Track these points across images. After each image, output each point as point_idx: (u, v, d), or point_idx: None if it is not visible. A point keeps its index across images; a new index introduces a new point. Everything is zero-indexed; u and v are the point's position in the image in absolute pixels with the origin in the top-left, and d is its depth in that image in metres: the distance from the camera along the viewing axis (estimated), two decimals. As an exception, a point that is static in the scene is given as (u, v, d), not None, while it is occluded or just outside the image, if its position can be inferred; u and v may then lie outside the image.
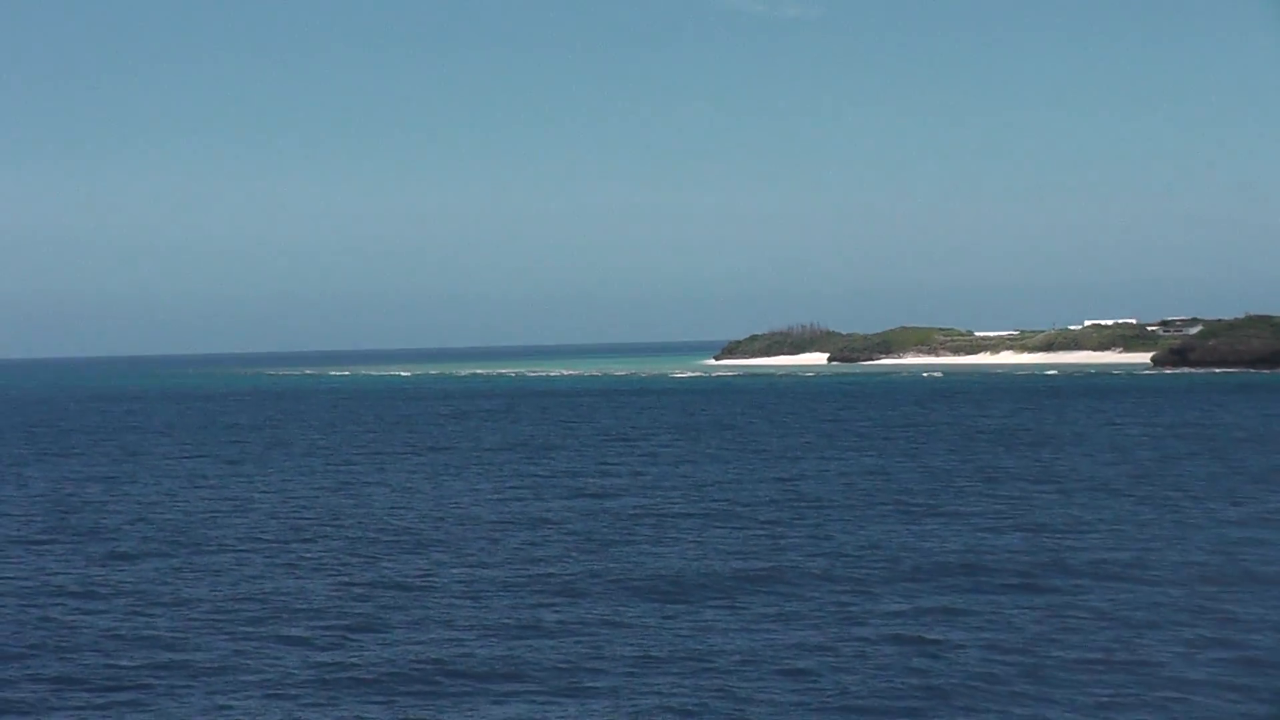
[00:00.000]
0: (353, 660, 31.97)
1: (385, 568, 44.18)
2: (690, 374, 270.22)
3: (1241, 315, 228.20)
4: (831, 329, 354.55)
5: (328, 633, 34.71)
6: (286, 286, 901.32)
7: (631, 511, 56.47)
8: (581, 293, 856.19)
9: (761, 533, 50.04)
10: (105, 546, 49.75)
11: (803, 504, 57.93)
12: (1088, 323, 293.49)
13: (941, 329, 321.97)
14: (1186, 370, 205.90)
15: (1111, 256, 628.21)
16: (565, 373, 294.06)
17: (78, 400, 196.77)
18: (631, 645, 32.79)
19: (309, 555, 46.95)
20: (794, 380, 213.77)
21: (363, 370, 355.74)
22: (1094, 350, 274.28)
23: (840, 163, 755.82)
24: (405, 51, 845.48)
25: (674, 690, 28.90)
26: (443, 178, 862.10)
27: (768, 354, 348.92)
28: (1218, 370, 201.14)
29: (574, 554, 45.99)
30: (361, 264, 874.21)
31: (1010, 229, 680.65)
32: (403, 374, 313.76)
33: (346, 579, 42.20)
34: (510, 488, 66.93)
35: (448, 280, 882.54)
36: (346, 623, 35.77)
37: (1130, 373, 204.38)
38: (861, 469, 72.20)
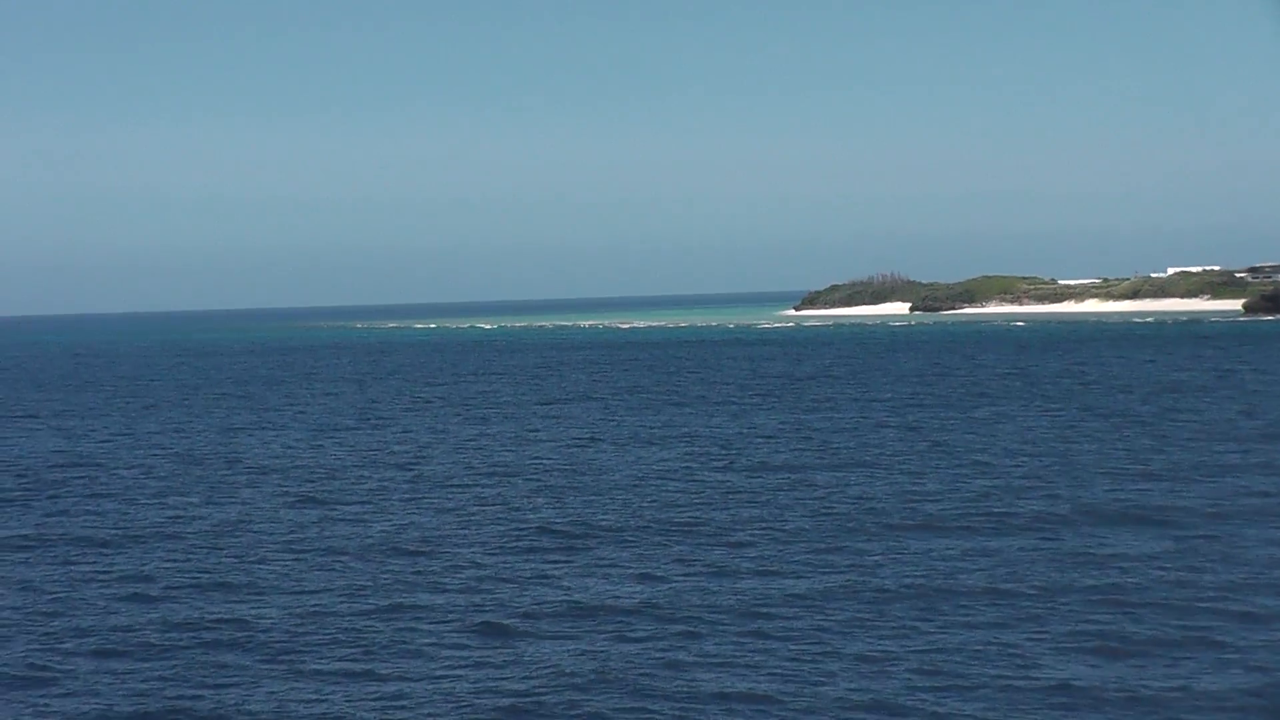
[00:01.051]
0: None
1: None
2: (778, 324, 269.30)
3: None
4: (911, 278, 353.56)
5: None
6: (357, 239, 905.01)
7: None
8: (648, 246, 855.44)
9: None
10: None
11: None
12: (1173, 270, 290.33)
13: (1024, 277, 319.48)
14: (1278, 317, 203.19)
15: (1194, 201, 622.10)
16: (651, 324, 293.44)
17: (195, 355, 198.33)
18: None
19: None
20: (898, 330, 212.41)
21: (445, 323, 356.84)
22: (1181, 298, 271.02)
23: (911, 110, 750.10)
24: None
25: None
26: (515, 132, 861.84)
27: (849, 304, 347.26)
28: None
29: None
30: (427, 218, 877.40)
31: (1090, 175, 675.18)
32: (485, 326, 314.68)
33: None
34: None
35: (510, 234, 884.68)
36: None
37: (1230, 320, 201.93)
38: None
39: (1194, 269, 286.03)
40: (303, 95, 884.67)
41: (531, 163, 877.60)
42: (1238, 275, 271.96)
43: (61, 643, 30.60)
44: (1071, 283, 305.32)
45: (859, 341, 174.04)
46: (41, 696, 27.10)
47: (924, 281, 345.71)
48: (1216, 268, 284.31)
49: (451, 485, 52.65)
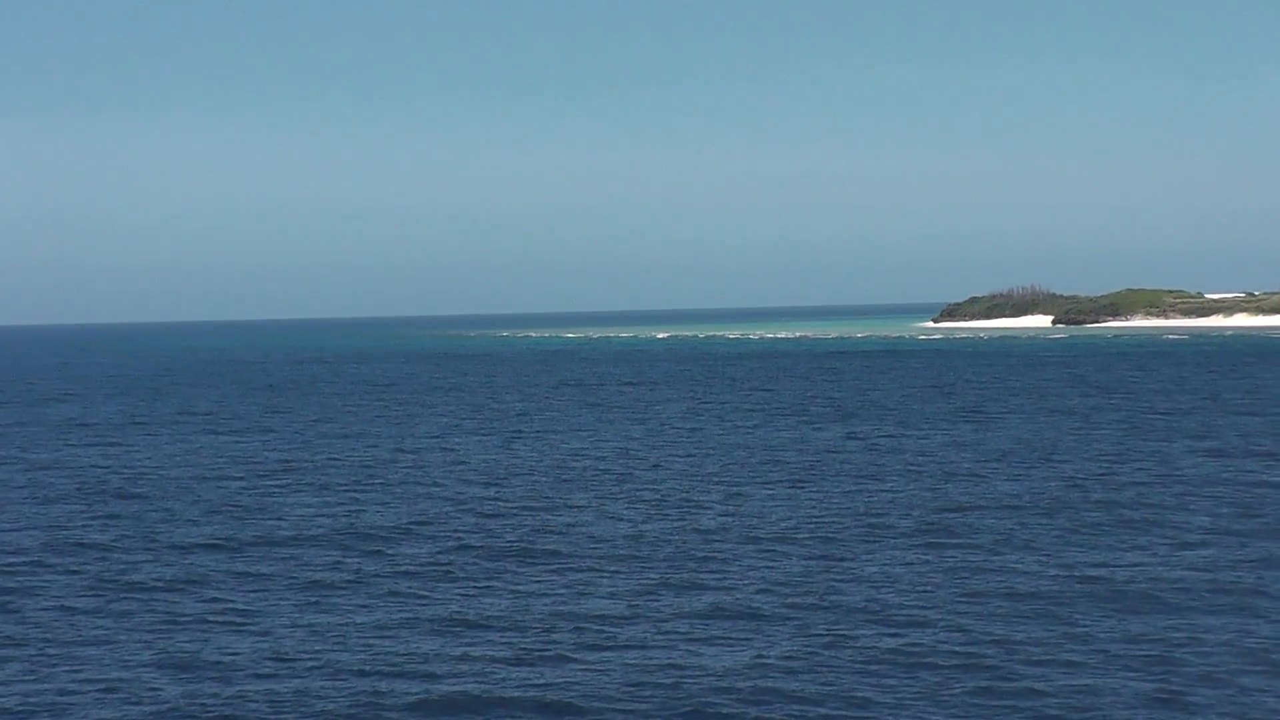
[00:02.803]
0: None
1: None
2: (930, 336, 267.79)
3: None
4: (1051, 290, 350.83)
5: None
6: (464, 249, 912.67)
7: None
8: (782, 256, 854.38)
9: None
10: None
11: None
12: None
13: (1170, 290, 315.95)
14: None
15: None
16: (797, 335, 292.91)
17: (346, 361, 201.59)
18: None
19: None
20: (1058, 343, 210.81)
21: (590, 332, 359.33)
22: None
23: (1048, 121, 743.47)
24: (606, 15, 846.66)
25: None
26: (622, 140, 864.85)
27: (989, 316, 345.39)
28: None
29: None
30: (503, 229, 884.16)
31: (1230, 187, 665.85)
32: (660, 335, 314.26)
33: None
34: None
35: (638, 244, 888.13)
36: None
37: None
38: None
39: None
40: (316, 98, 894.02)
41: (645, 173, 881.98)
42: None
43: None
44: (1221, 296, 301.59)
45: (1062, 355, 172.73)
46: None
47: (1064, 294, 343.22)
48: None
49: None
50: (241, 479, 61.35)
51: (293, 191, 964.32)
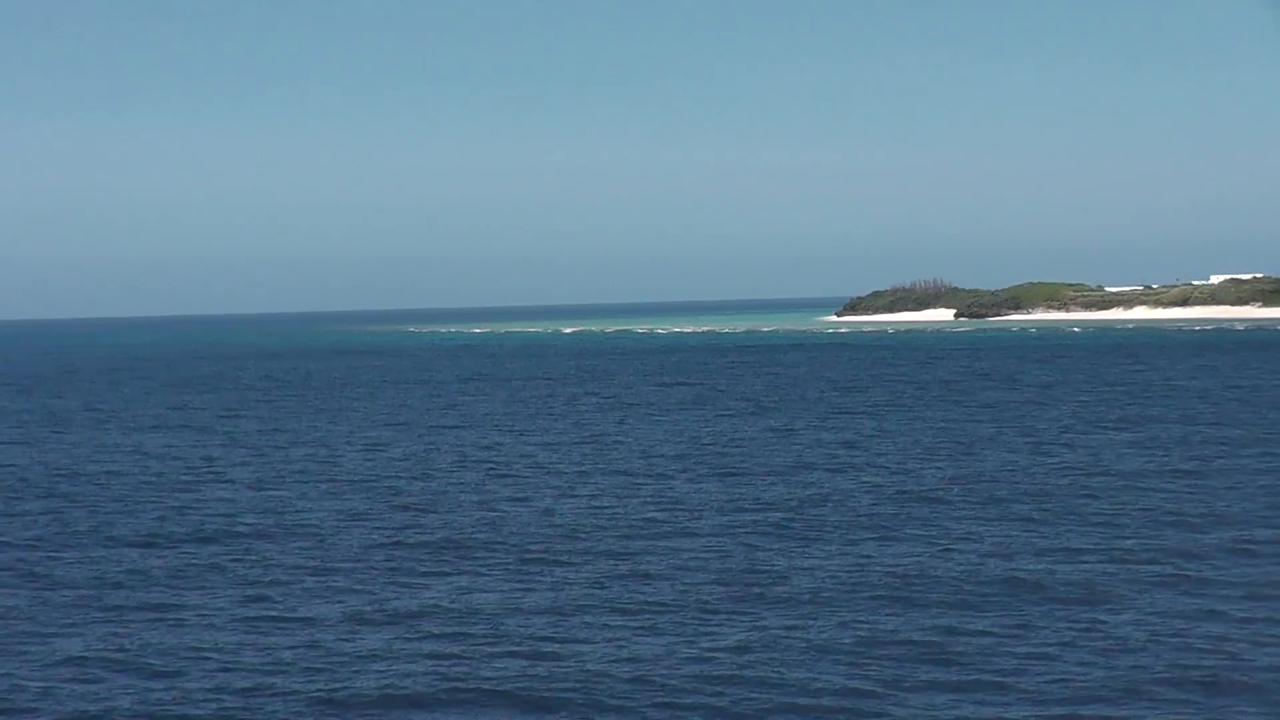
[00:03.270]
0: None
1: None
2: (834, 329, 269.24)
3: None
4: (953, 284, 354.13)
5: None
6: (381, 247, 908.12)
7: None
8: (680, 251, 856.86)
9: None
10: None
11: None
12: (1221, 277, 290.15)
13: (1070, 284, 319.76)
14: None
15: (1233, 209, 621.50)
16: (695, 329, 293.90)
17: (267, 358, 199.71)
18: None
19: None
20: (964, 336, 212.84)
21: (496, 327, 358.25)
22: (1231, 305, 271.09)
23: (954, 119, 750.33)
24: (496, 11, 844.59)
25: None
26: (532, 136, 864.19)
27: (891, 310, 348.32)
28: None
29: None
30: (435, 225, 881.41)
31: (1128, 182, 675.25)
32: (565, 329, 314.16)
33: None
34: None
35: (536, 239, 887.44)
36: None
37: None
38: None
39: (1243, 276, 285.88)
40: (300, 98, 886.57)
41: (550, 167, 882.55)
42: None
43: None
44: (1120, 289, 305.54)
45: (960, 348, 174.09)
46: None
47: (966, 288, 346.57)
48: (1254, 276, 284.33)
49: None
50: (162, 475, 60.52)
51: (202, 187, 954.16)
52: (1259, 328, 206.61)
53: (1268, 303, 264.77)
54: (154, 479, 59.17)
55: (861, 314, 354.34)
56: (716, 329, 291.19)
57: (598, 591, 35.55)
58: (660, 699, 26.93)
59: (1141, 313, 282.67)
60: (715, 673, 28.39)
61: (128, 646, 31.26)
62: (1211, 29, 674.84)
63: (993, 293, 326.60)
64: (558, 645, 30.60)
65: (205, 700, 27.52)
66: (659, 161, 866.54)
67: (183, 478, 59.59)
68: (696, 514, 47.00)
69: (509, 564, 39.36)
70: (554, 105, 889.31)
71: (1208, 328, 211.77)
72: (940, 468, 57.17)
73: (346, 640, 31.44)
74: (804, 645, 30.22)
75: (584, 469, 59.60)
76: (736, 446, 67.00)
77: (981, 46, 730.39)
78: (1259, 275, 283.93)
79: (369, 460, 64.83)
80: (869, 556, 39.14)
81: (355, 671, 29.09)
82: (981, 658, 29.01)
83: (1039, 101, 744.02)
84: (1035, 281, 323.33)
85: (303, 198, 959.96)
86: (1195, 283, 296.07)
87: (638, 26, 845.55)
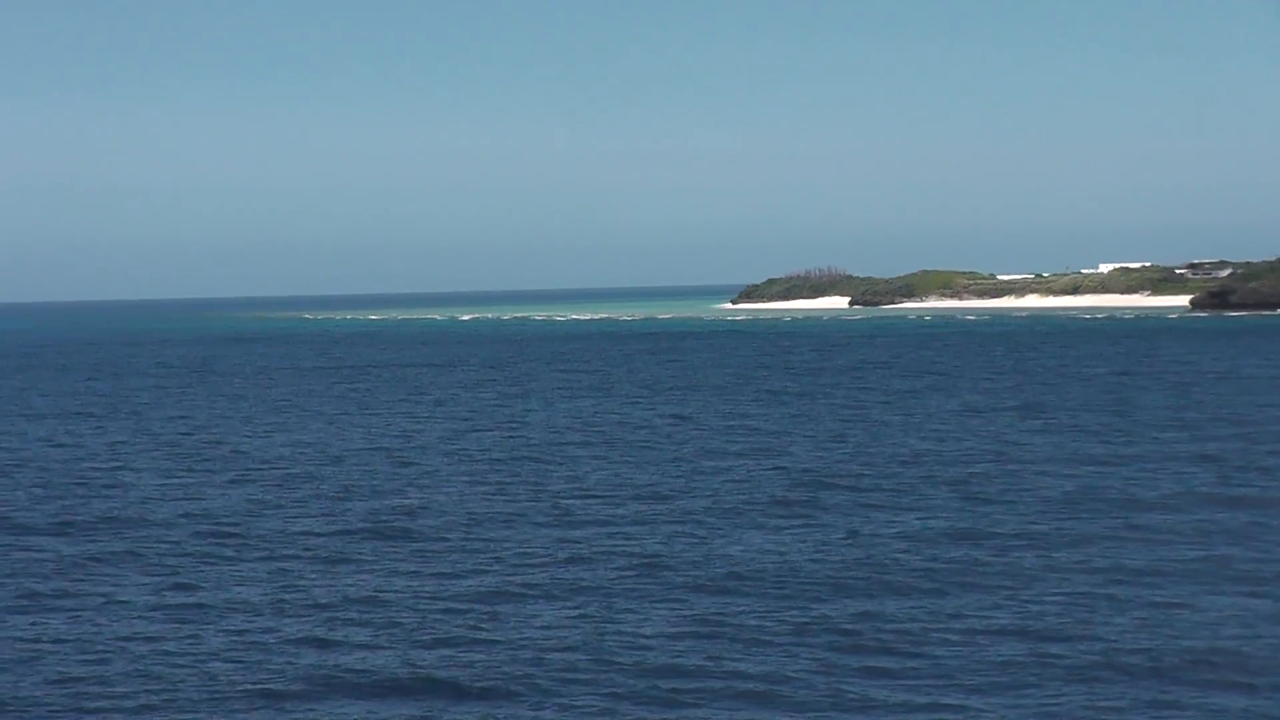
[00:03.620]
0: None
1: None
2: (735, 317, 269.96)
3: (1266, 259, 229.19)
4: (848, 272, 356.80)
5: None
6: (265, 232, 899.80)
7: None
8: (579, 237, 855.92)
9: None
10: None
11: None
12: (1110, 266, 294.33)
13: (963, 272, 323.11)
14: (1228, 314, 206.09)
15: (1122, 200, 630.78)
16: (594, 316, 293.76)
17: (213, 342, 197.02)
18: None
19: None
20: (863, 324, 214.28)
21: (390, 314, 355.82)
22: (1121, 293, 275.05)
23: (847, 107, 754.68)
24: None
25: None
26: (433, 121, 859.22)
27: (787, 297, 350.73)
28: (1265, 314, 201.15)
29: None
30: (339, 207, 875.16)
31: (1022, 172, 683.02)
32: (436, 318, 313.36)
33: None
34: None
35: (435, 226, 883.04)
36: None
37: (1183, 316, 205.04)
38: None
39: (1132, 265, 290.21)
40: (184, 84, 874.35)
41: (448, 153, 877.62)
42: (1177, 272, 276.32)
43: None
44: (1012, 277, 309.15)
45: (870, 335, 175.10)
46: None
47: (860, 276, 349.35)
48: (1148, 264, 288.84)
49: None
50: (69, 462, 59.61)
51: (100, 171, 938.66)
52: (1148, 315, 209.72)
53: (1156, 291, 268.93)
54: (60, 465, 58.27)
55: (757, 301, 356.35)
56: (614, 316, 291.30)
57: (524, 577, 35.42)
58: (599, 688, 26.87)
59: (1033, 300, 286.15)
60: (652, 661, 28.38)
61: (44, 636, 30.77)
62: (1098, 25, 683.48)
63: (887, 281, 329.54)
64: (487, 632, 30.46)
65: (128, 690, 27.15)
66: (554, 148, 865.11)
67: (88, 465, 58.70)
68: (613, 501, 46.95)
69: (429, 551, 39.11)
70: (454, 89, 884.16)
71: (1099, 315, 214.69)
72: (849, 454, 57.49)
73: (272, 629, 31.11)
74: (735, 631, 30.30)
75: (496, 456, 59.35)
76: (646, 434, 67.02)
77: (877, 33, 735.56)
78: (1148, 265, 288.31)
79: (278, 448, 64.18)
80: (788, 543, 39.27)
81: (283, 660, 28.80)
82: (911, 643, 29.21)
83: (930, 90, 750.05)
84: (928, 270, 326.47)
85: (191, 182, 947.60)
86: (1085, 271, 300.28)
87: (536, 8, 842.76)
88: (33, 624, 31.90)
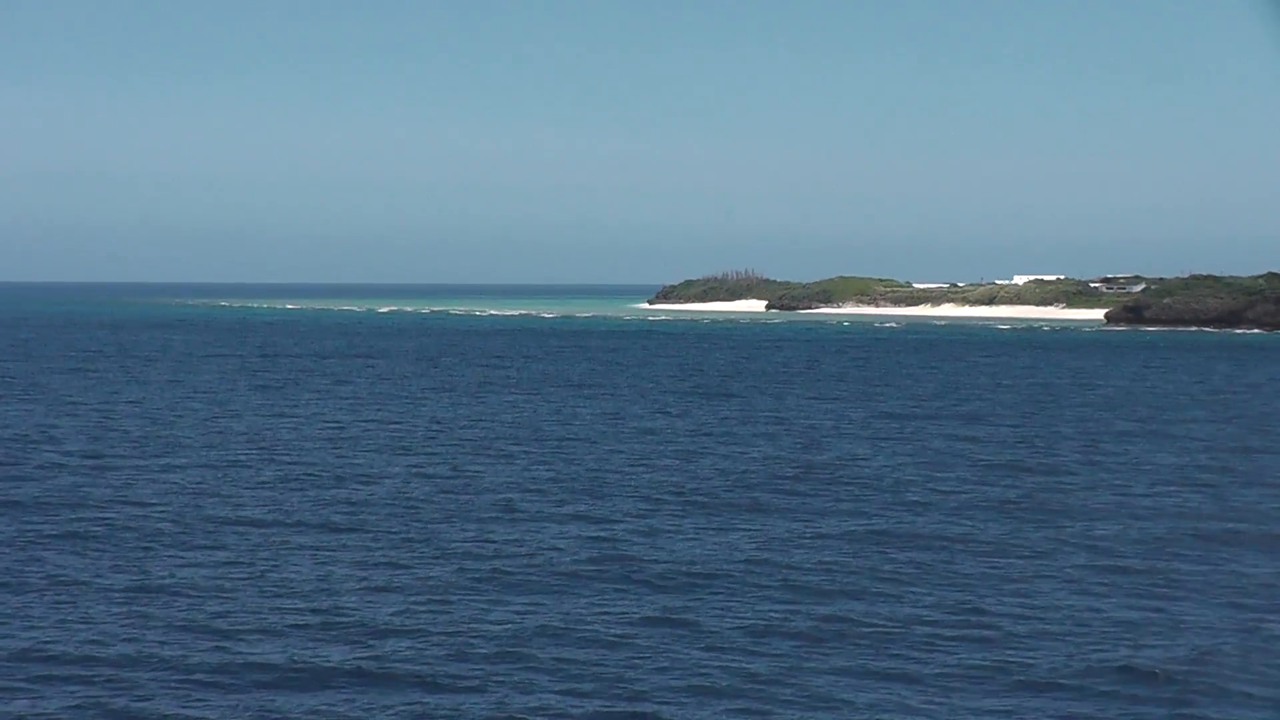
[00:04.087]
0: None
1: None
2: (656, 317, 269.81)
3: (1178, 275, 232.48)
4: (765, 276, 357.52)
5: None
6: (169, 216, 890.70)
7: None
8: (501, 233, 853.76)
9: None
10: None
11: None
12: (1024, 278, 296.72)
13: (880, 279, 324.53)
14: (1142, 328, 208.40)
15: (1035, 213, 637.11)
16: (523, 312, 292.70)
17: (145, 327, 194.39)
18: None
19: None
20: (782, 328, 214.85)
21: (275, 303, 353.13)
22: (1036, 305, 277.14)
23: (768, 111, 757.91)
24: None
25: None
26: (354, 113, 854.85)
27: (703, 299, 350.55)
28: (1178, 329, 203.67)
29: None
30: (248, 196, 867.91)
31: (937, 183, 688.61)
32: (354, 309, 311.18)
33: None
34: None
35: (350, 215, 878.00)
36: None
37: (1099, 329, 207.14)
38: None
39: (1047, 277, 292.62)
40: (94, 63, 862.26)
41: (368, 147, 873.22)
42: (1091, 285, 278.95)
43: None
44: (929, 286, 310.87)
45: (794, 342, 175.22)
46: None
47: (778, 280, 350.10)
48: (1063, 276, 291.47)
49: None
50: (-8, 444, 58.61)
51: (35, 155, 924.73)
52: (1064, 328, 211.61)
53: (1071, 304, 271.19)
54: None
55: (674, 302, 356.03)
56: (533, 313, 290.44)
57: (473, 571, 35.10)
58: (560, 684, 26.64)
59: (949, 310, 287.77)
60: (614, 657, 28.19)
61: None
62: (1014, 41, 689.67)
63: (804, 286, 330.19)
64: (435, 624, 30.15)
65: (77, 673, 26.70)
66: (467, 144, 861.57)
67: (14, 446, 57.73)
68: (552, 498, 46.68)
69: (370, 545, 38.66)
70: (387, 85, 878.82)
71: (1018, 326, 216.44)
72: (787, 457, 57.52)
73: (219, 616, 30.64)
74: (690, 628, 30.17)
75: (432, 450, 58.88)
76: (579, 429, 66.78)
77: (799, 41, 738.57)
78: (1062, 277, 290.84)
79: (204, 434, 63.40)
80: (738, 543, 39.17)
81: (225, 646, 28.41)
82: (871, 646, 29.19)
83: (845, 100, 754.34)
84: (845, 276, 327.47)
85: (101, 163, 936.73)
86: (999, 282, 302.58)
87: (458, 9, 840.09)
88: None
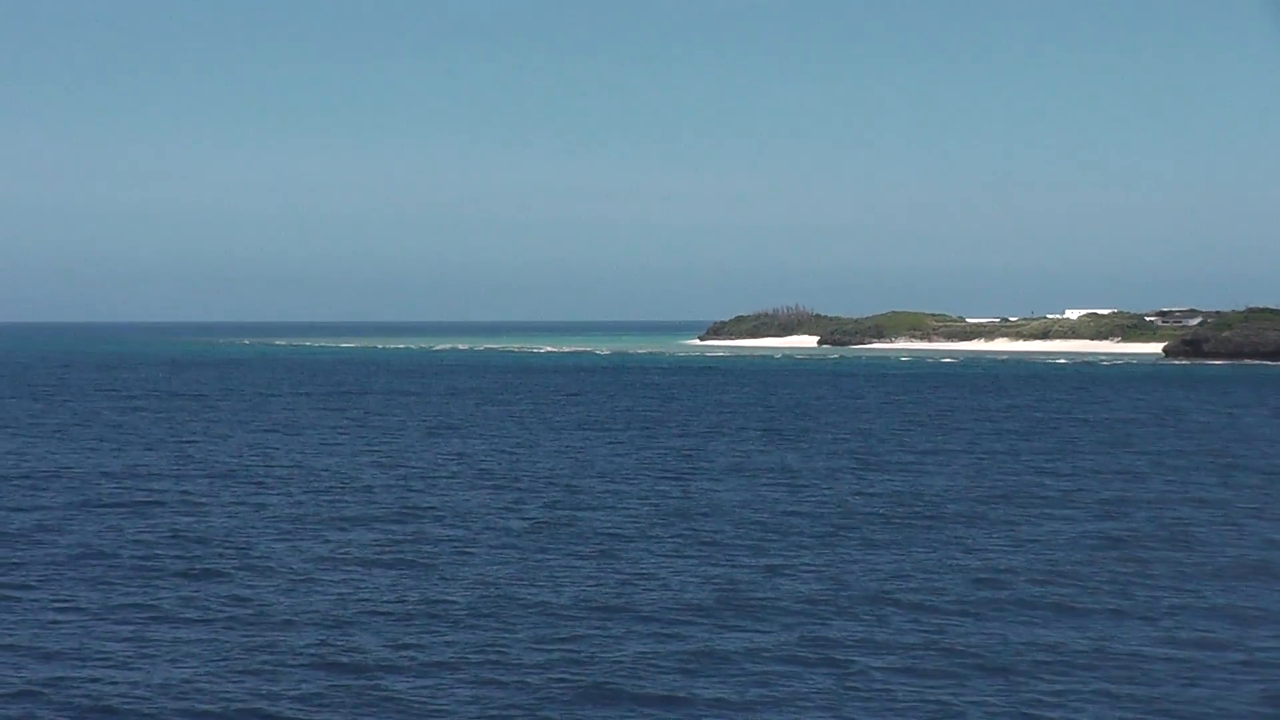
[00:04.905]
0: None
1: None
2: (714, 353, 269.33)
3: (1234, 308, 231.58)
4: (817, 311, 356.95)
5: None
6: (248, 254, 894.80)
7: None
8: (551, 271, 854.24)
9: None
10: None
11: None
12: (1077, 311, 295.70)
13: (932, 314, 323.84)
14: (1202, 361, 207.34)
15: (1084, 245, 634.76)
16: (578, 349, 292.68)
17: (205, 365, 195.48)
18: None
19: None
20: (852, 364, 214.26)
21: (335, 342, 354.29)
22: (1091, 339, 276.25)
23: (814, 147, 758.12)
24: (395, 35, 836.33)
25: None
26: (414, 152, 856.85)
27: (755, 335, 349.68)
28: (1239, 362, 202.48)
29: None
30: (321, 235, 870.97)
31: (985, 215, 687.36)
32: (401, 346, 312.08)
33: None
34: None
35: (408, 255, 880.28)
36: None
37: (1157, 363, 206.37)
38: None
39: (1102, 311, 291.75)
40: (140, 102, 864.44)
41: (430, 184, 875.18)
42: (1147, 319, 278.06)
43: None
44: (981, 320, 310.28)
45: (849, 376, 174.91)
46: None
47: (828, 315, 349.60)
48: (1113, 311, 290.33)
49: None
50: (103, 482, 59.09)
51: (45, 190, 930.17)
52: (1124, 362, 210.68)
53: (1127, 338, 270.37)
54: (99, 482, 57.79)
55: (725, 338, 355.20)
56: (587, 349, 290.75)
57: (599, 601, 35.22)
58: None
59: (1004, 344, 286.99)
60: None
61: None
62: (1066, 74, 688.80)
63: (855, 321, 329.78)
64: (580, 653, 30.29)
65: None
66: (521, 184, 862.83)
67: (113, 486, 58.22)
68: (672, 529, 46.72)
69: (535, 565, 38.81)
70: (430, 119, 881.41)
71: (1075, 360, 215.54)
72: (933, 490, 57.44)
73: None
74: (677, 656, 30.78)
75: (574, 484, 58.96)
76: (707, 468, 66.84)
77: (848, 73, 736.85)
78: (1117, 311, 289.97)
79: (361, 467, 63.73)
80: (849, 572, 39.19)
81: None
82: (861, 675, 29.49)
83: (900, 127, 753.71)
84: (897, 310, 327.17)
85: (157, 203, 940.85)
86: (1051, 316, 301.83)
87: (540, 36, 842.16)
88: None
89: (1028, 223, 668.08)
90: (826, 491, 57.56)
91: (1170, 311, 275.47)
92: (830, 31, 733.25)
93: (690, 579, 38.93)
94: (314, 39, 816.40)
